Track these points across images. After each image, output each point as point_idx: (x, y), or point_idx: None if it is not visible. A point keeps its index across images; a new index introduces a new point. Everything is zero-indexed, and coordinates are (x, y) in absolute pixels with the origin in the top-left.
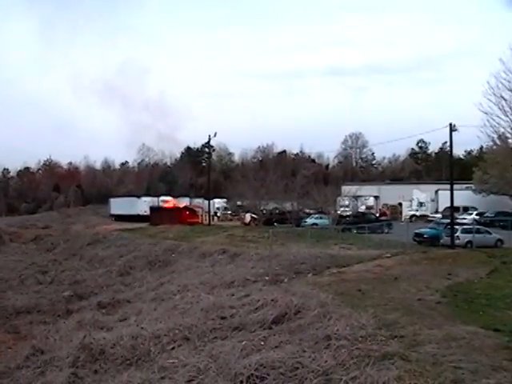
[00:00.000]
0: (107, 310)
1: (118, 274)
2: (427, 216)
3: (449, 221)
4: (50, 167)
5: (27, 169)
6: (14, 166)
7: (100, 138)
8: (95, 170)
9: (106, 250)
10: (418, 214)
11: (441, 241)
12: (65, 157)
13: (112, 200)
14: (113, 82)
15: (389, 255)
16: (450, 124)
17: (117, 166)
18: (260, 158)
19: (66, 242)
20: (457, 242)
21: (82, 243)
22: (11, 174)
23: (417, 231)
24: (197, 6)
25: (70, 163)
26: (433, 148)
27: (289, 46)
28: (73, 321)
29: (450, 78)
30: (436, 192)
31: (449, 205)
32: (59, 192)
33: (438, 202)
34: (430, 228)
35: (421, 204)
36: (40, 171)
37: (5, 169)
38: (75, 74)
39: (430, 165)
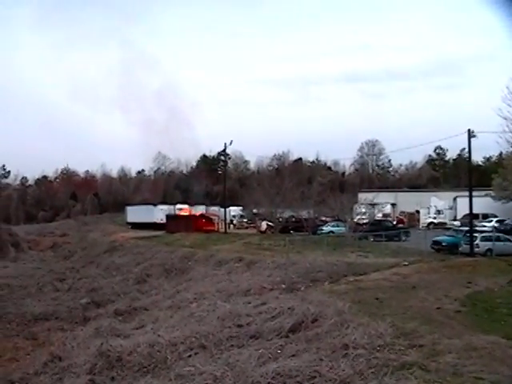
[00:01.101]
0: (124, 317)
1: (134, 282)
2: (445, 223)
3: (468, 228)
4: (67, 176)
5: (45, 177)
6: (32, 174)
7: (116, 147)
8: (112, 179)
9: (123, 257)
10: (435, 221)
11: (460, 249)
12: (82, 165)
13: (128, 208)
14: (129, 91)
15: (406, 263)
16: (469, 130)
17: (133, 174)
18: (276, 166)
19: (83, 250)
20: (476, 249)
21: (99, 251)
22: (29, 182)
23: (435, 239)
24: (211, 13)
25: (87, 171)
26: (451, 154)
27: (305, 53)
28: (90, 328)
29: (468, 83)
30: (454, 199)
31: (467, 212)
32: (76, 200)
33: (456, 209)
34: (448, 236)
35: (439, 211)
36: (57, 180)
37: (23, 177)
38: (92, 83)
39: (448, 171)
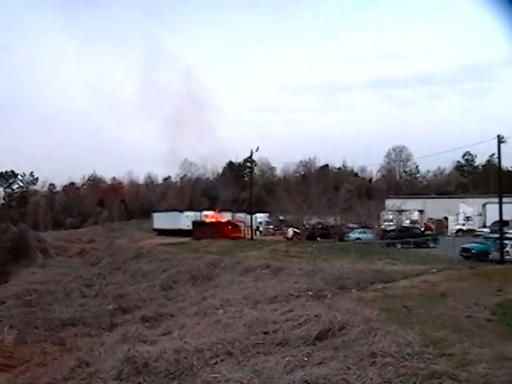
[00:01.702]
0: (150, 323)
1: (161, 288)
2: (474, 230)
3: (498, 235)
4: (94, 182)
5: (72, 184)
6: (60, 181)
7: (143, 154)
8: (138, 185)
9: (150, 264)
10: (464, 228)
11: (489, 256)
12: (109, 172)
13: (155, 214)
14: (155, 98)
15: (435, 271)
16: (498, 135)
17: (160, 180)
18: (302, 172)
19: (111, 256)
20: (506, 257)
21: (126, 257)
22: (57, 188)
23: (464, 246)
24: (239, 18)
25: (114, 178)
26: (480, 160)
27: (332, 59)
28: (117, 334)
29: (497, 88)
30: (484, 206)
31: (497, 219)
32: (103, 207)
33: (485, 215)
34: (477, 243)
35: (467, 218)
36: (85, 186)
37: (51, 184)
38: (119, 90)
39: (477, 178)
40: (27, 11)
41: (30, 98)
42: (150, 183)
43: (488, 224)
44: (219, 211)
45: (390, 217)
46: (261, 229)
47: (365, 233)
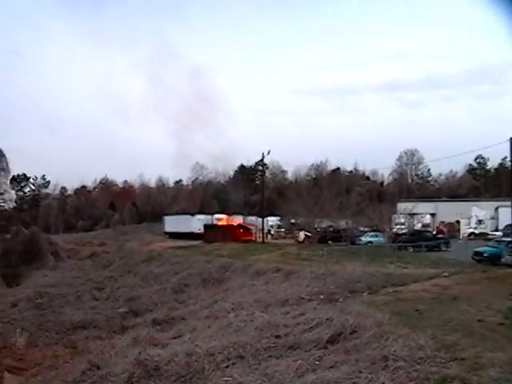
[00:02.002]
0: (162, 326)
1: (172, 292)
2: (487, 234)
3: (510, 239)
4: (105, 185)
5: (84, 187)
6: (72, 184)
7: (154, 157)
8: (150, 188)
9: (161, 267)
10: (476, 231)
11: (502, 260)
12: (120, 175)
13: (166, 218)
14: (166, 100)
15: (447, 274)
16: (511, 138)
17: (171, 184)
18: (314, 176)
19: (122, 259)
20: None
21: (137, 260)
22: (68, 192)
23: (476, 249)
24: (249, 20)
25: (125, 181)
26: (492, 163)
27: (342, 62)
28: (128, 337)
29: (510, 91)
30: (496, 209)
31: (510, 222)
32: (115, 210)
33: (498, 219)
34: (490, 246)
35: (480, 221)
36: (96, 189)
37: (62, 187)
38: (130, 93)
39: (489, 181)
40: (38, 15)
41: (42, 101)
42: (161, 186)
43: (500, 227)
44: (230, 214)
45: (402, 220)
46: (272, 232)
47: (376, 236)
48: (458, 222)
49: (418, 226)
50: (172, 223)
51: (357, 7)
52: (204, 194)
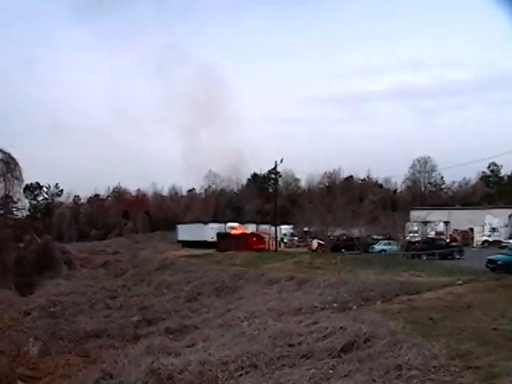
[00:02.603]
0: (175, 335)
1: (185, 300)
2: (501, 242)
3: None
4: (119, 194)
5: (97, 196)
6: (85, 193)
7: (167, 165)
8: (163, 197)
9: (174, 275)
10: (490, 239)
11: None
12: (133, 184)
13: (179, 226)
14: (180, 108)
15: (460, 282)
16: None
17: (184, 192)
18: (327, 184)
19: (135, 268)
20: None
21: (150, 269)
22: (82, 200)
23: (490, 257)
24: (262, 30)
25: (139, 190)
26: (505, 171)
27: (355, 69)
28: (141, 346)
29: None
30: (510, 216)
31: None
32: (128, 218)
33: (511, 226)
34: (504, 254)
35: (493, 229)
36: (109, 198)
37: (76, 196)
38: (144, 101)
39: (503, 188)
40: (51, 23)
41: (55, 109)
42: (174, 195)
43: None
44: (243, 223)
45: (415, 228)
46: (285, 240)
47: (390, 244)
48: (471, 229)
49: (432, 234)
50: (185, 232)
51: (371, 15)
52: (217, 203)
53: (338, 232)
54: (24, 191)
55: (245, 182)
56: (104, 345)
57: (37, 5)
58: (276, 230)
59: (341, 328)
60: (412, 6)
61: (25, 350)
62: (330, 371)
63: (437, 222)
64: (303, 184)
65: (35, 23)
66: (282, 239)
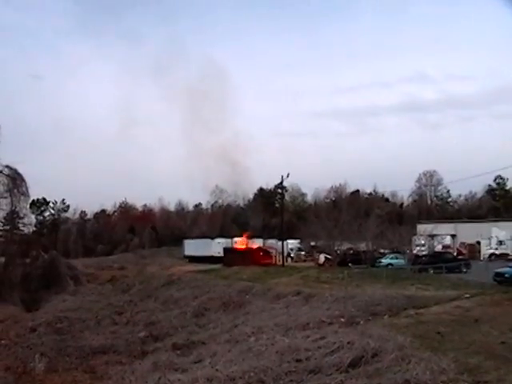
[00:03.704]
0: (182, 351)
1: (192, 316)
2: (507, 254)
3: None
4: (125, 209)
5: (103, 211)
6: (91, 208)
7: (173, 181)
8: (169, 212)
9: (181, 291)
10: (497, 252)
11: None
12: (139, 199)
13: (186, 241)
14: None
15: (468, 296)
16: None
17: (190, 207)
18: (333, 198)
19: (141, 283)
20: None
21: (157, 284)
22: (88, 216)
23: (497, 271)
24: (266, 45)
25: (145, 205)
26: (511, 184)
27: (361, 83)
28: (148, 362)
29: None
30: None
31: None
32: (134, 234)
33: None
34: (511, 267)
35: (500, 242)
36: (116, 213)
37: (82, 211)
38: (150, 117)
39: (509, 201)
40: (56, 39)
41: (61, 125)
42: (180, 210)
43: None
44: (250, 238)
45: (422, 242)
46: (292, 255)
47: (396, 258)
48: (478, 242)
49: (439, 248)
50: (192, 247)
51: (377, 29)
52: (223, 218)
53: (345, 246)
54: (30, 207)
55: (251, 196)
56: (111, 361)
57: (41, 20)
58: (283, 244)
59: (348, 343)
60: (417, 20)
61: (31, 367)
62: None
63: (443, 235)
64: (309, 198)
65: (41, 38)
66: (288, 254)
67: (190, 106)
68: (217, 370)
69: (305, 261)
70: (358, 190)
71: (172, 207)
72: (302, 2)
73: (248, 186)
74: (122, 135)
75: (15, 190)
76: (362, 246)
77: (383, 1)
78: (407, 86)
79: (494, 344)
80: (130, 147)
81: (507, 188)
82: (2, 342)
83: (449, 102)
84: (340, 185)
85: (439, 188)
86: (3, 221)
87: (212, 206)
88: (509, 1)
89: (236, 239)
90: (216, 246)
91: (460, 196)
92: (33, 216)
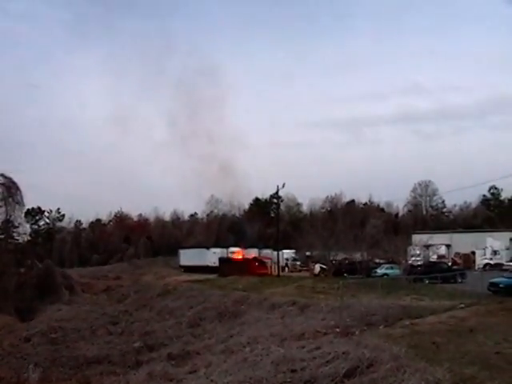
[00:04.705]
0: (177, 361)
1: (187, 326)
2: (502, 264)
3: None
4: (120, 219)
5: (99, 221)
6: (86, 217)
7: (169, 191)
8: (165, 222)
9: (176, 301)
10: (492, 262)
11: None
12: (135, 209)
13: (181, 251)
14: (180, 134)
15: (463, 306)
16: None
17: (186, 217)
18: (328, 208)
19: (137, 293)
20: None
21: (152, 294)
22: (83, 225)
23: (492, 280)
24: (263, 54)
25: (140, 215)
26: (506, 194)
27: (356, 94)
28: (143, 372)
29: None
30: (511, 239)
31: None
32: (129, 243)
33: None
34: (505, 277)
35: (495, 252)
36: (111, 223)
37: (77, 220)
38: (145, 127)
39: (504, 211)
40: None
41: (56, 134)
42: (176, 220)
43: None
44: (245, 248)
45: (417, 252)
46: (287, 265)
47: (392, 268)
48: (473, 253)
49: (434, 258)
50: (187, 257)
51: (373, 40)
52: (219, 228)
53: (340, 256)
54: (25, 216)
55: (247, 206)
56: (105, 371)
57: (38, 29)
58: (278, 254)
59: (344, 353)
60: (413, 32)
61: (25, 377)
62: None
63: (438, 245)
64: (305, 208)
65: (37, 47)
66: (286, 264)
67: (186, 116)
68: (212, 380)
69: (300, 271)
70: (353, 200)
71: (167, 217)
72: (301, 13)
73: (244, 196)
74: (117, 145)
75: (10, 199)
76: (358, 256)
77: (380, 12)
78: (403, 97)
79: (488, 354)
80: (126, 157)
81: (502, 198)
82: None
83: (444, 113)
84: (335, 195)
85: (434, 198)
86: None
87: (207, 215)
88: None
89: (231, 249)
90: (211, 256)
91: (455, 206)
92: (27, 225)
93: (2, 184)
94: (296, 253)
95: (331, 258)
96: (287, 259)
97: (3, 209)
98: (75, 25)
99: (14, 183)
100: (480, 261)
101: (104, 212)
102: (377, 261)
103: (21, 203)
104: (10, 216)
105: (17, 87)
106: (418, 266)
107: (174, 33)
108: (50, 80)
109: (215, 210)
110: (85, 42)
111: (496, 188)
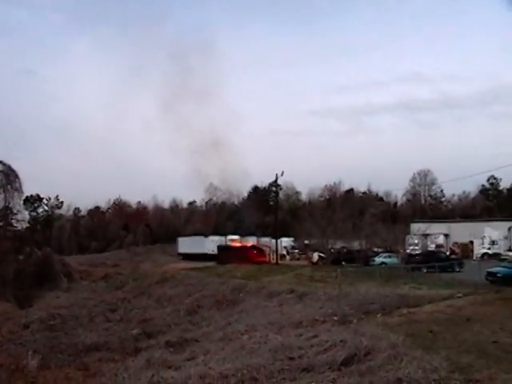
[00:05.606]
0: (175, 348)
1: (185, 313)
2: (500, 254)
3: None
4: (119, 207)
5: (97, 208)
6: (85, 205)
7: (168, 178)
8: (163, 210)
9: (174, 288)
10: (490, 252)
11: None
12: (134, 196)
13: (180, 239)
14: (180, 121)
15: (460, 295)
16: None
17: (184, 205)
18: (327, 197)
19: (135, 281)
20: None
21: (151, 282)
22: (82, 213)
23: (489, 270)
24: (263, 44)
25: (139, 203)
26: (504, 184)
27: (357, 83)
28: (141, 359)
29: None
30: (509, 229)
31: None
32: (128, 231)
33: (511, 239)
34: (503, 267)
35: (493, 242)
36: (110, 210)
37: (76, 208)
38: (144, 115)
39: (502, 201)
40: (52, 34)
41: (55, 120)
42: (174, 207)
43: None
44: (244, 236)
45: (416, 241)
46: (285, 253)
47: (390, 257)
48: (471, 242)
49: (432, 247)
50: (186, 244)
51: (374, 28)
52: (218, 216)
53: (339, 245)
54: (24, 203)
55: (245, 194)
56: (104, 358)
57: (35, 15)
58: (276, 242)
59: (341, 341)
60: (413, 20)
61: (24, 364)
62: None
63: (437, 234)
64: (304, 197)
65: (34, 33)
66: (287, 252)
67: (186, 104)
68: (210, 367)
69: (298, 259)
70: (352, 189)
71: (166, 205)
72: (302, 1)
73: (242, 184)
74: (115, 132)
75: (9, 186)
76: (356, 245)
77: (381, 0)
78: (403, 86)
79: (485, 343)
80: (125, 144)
81: (500, 188)
82: None
83: (444, 102)
84: (334, 183)
85: (433, 187)
86: None
87: (206, 203)
88: (507, 2)
89: (230, 237)
90: (210, 244)
91: (454, 196)
92: (26, 212)
93: (1, 171)
94: (294, 241)
95: (329, 247)
96: (285, 247)
97: (2, 196)
98: (72, 9)
99: (12, 170)
100: (478, 250)
101: (103, 199)
102: (375, 249)
103: (19, 190)
104: (9, 203)
105: (14, 73)
106: (416, 255)
107: (173, 17)
108: (46, 66)
109: (214, 198)
110: (81, 27)
111: (495, 178)
